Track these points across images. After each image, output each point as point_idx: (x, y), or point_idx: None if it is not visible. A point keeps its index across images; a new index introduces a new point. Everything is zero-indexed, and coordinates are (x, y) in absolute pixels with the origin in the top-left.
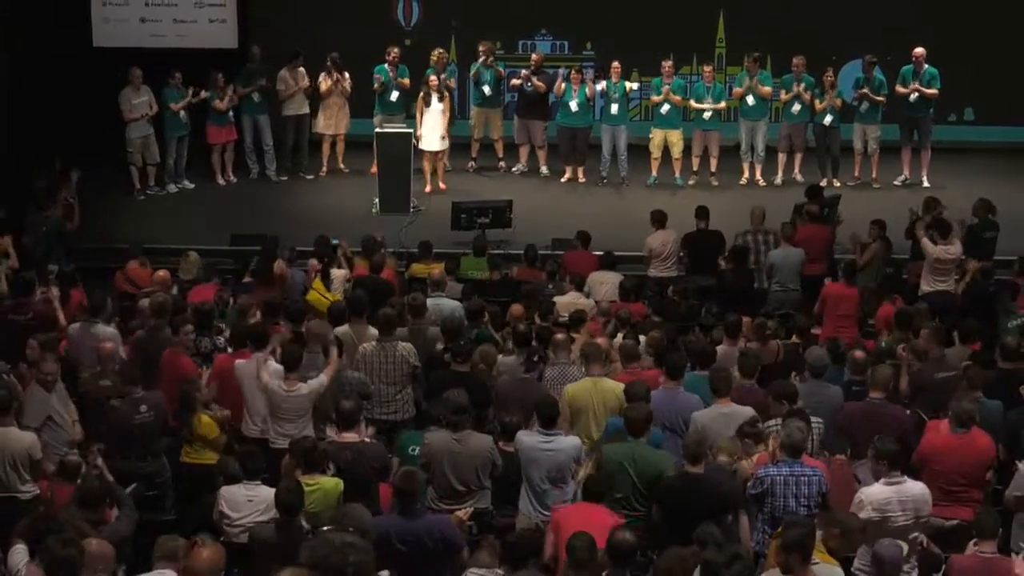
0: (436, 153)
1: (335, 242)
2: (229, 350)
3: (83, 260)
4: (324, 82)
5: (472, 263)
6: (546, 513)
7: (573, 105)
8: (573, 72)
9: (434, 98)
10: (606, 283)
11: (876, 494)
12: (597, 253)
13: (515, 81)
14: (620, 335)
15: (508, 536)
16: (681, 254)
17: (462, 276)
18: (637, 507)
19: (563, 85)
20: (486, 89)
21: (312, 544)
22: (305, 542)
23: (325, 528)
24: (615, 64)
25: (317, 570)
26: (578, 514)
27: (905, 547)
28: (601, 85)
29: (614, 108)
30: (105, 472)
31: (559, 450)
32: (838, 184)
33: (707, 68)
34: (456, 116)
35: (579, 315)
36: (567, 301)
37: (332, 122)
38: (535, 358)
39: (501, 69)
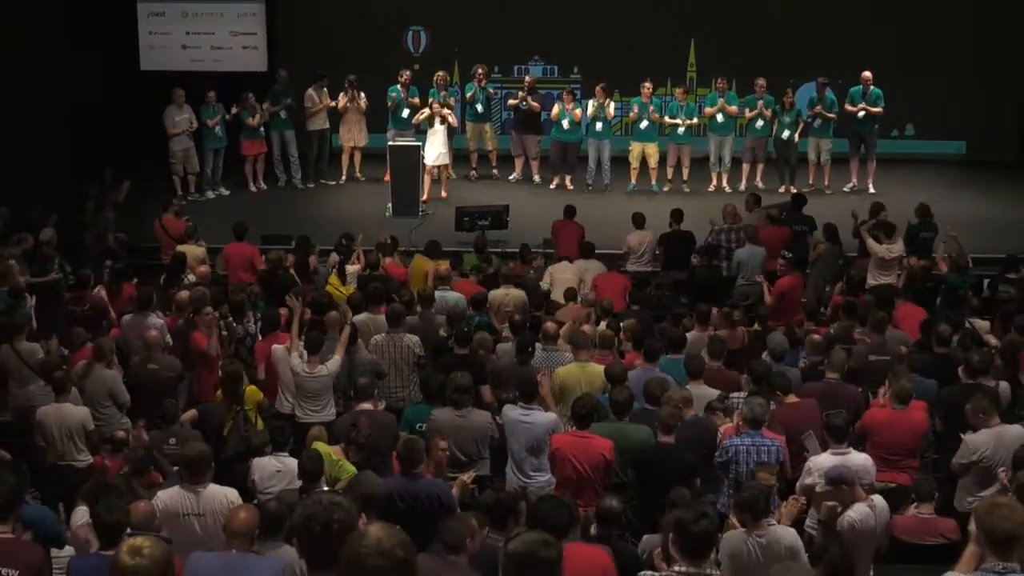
0: (437, 167)
1: (344, 241)
2: (260, 337)
3: (133, 258)
4: (342, 100)
5: (473, 260)
6: (525, 480)
7: (565, 123)
8: (565, 94)
9: (436, 121)
10: (567, 273)
11: (823, 463)
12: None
13: (512, 101)
14: (603, 323)
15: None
16: (657, 251)
17: (465, 271)
18: (623, 476)
19: (557, 107)
20: (479, 107)
21: (304, 503)
22: (299, 503)
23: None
24: (599, 88)
25: (309, 524)
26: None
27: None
28: (589, 108)
29: (599, 125)
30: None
31: (536, 423)
32: (795, 190)
33: (679, 90)
34: (456, 131)
35: (570, 292)
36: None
37: (351, 135)
38: (528, 347)
39: (491, 90)
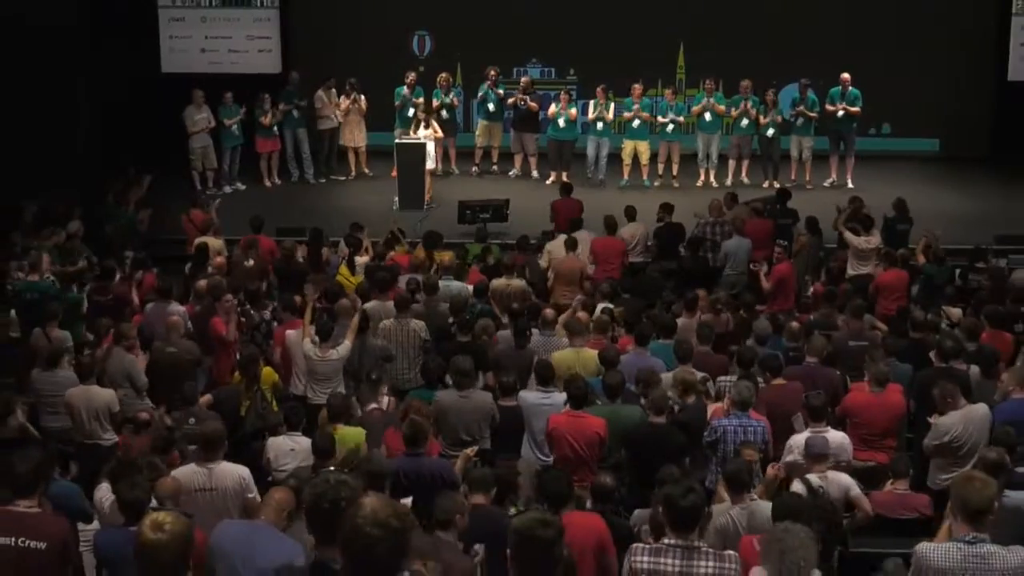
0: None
1: (353, 233)
2: (275, 324)
3: (154, 249)
4: (344, 102)
5: (475, 249)
6: (544, 458)
7: (561, 122)
8: (562, 94)
9: (422, 126)
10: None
11: (802, 440)
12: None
13: (509, 100)
14: (600, 307)
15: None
16: (650, 243)
17: (469, 261)
18: (616, 456)
19: (554, 106)
20: (490, 107)
21: (313, 482)
22: (309, 481)
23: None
24: (600, 89)
25: (318, 502)
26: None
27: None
28: (591, 108)
29: (599, 125)
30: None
31: (555, 404)
32: (778, 185)
33: (669, 90)
34: (460, 129)
35: (571, 242)
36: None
37: (352, 136)
38: (526, 332)
39: (501, 91)
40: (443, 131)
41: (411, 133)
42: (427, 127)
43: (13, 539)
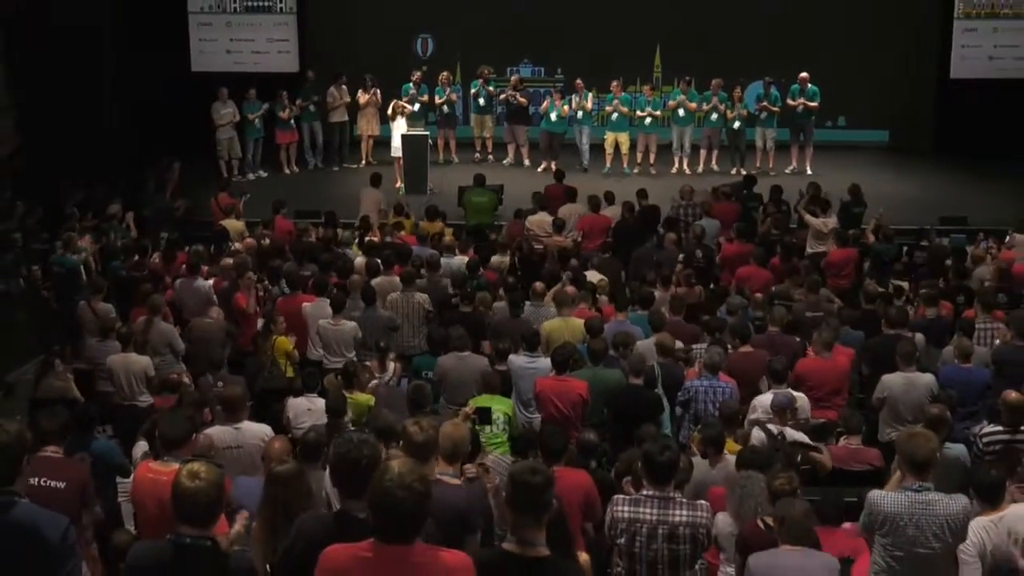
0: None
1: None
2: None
3: (186, 230)
4: (362, 96)
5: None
6: (530, 415)
7: (553, 116)
8: (554, 91)
9: (399, 115)
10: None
11: (766, 400)
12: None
13: (501, 96)
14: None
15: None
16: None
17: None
18: (599, 415)
19: (546, 102)
20: (481, 101)
21: (337, 441)
22: (333, 440)
23: (350, 429)
24: (578, 82)
25: (341, 461)
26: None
27: (794, 398)
28: (573, 102)
29: (579, 114)
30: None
31: (540, 368)
32: (745, 172)
33: (647, 87)
34: (459, 122)
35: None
36: (537, 219)
37: (369, 126)
38: (519, 304)
39: (492, 88)
40: (444, 124)
41: (392, 122)
42: (403, 114)
43: (38, 479)
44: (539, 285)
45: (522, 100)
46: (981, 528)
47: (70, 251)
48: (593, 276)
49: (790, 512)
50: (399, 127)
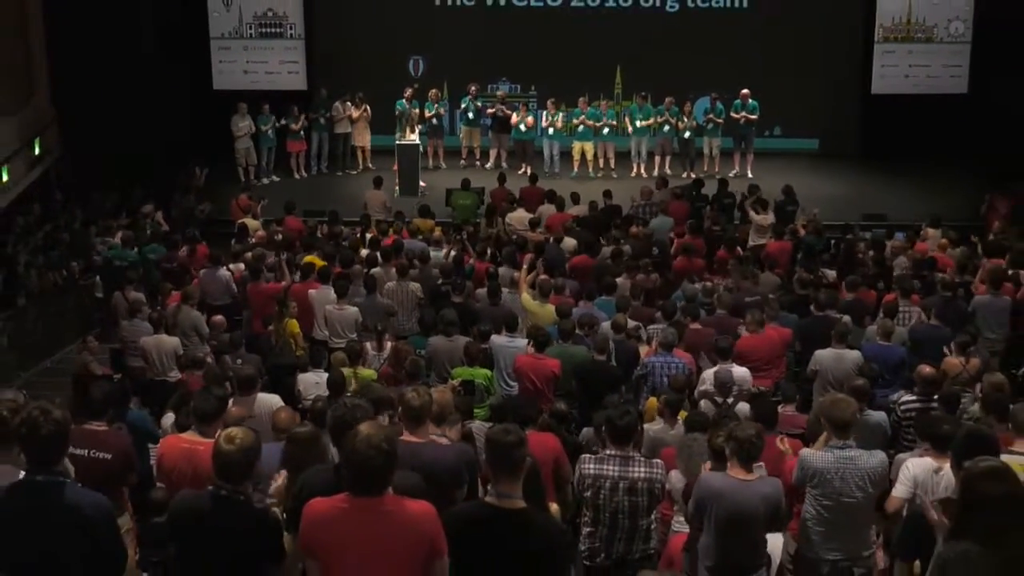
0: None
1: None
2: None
3: (208, 227)
4: (354, 112)
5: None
6: (508, 388)
7: (522, 127)
8: (521, 106)
9: (408, 130)
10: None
11: (709, 375)
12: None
13: (490, 110)
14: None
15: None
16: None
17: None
18: (568, 386)
19: (516, 115)
20: (470, 115)
21: (334, 407)
22: (330, 407)
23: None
24: (550, 102)
25: (338, 423)
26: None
27: (735, 372)
28: (544, 117)
29: (551, 131)
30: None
31: (517, 346)
32: (694, 176)
33: (604, 103)
34: (446, 132)
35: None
36: (516, 216)
37: (361, 138)
38: (497, 292)
39: (479, 103)
40: (433, 135)
41: (405, 135)
42: (412, 131)
43: (87, 451)
44: (518, 275)
45: (507, 113)
46: (921, 468)
47: (128, 246)
48: (568, 243)
49: (739, 433)
50: (412, 140)
